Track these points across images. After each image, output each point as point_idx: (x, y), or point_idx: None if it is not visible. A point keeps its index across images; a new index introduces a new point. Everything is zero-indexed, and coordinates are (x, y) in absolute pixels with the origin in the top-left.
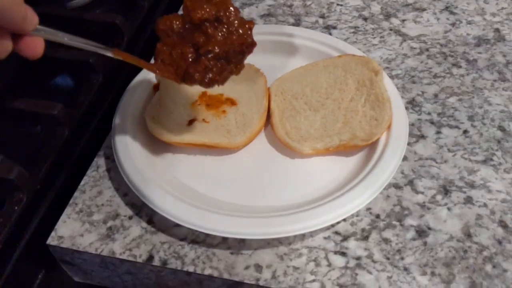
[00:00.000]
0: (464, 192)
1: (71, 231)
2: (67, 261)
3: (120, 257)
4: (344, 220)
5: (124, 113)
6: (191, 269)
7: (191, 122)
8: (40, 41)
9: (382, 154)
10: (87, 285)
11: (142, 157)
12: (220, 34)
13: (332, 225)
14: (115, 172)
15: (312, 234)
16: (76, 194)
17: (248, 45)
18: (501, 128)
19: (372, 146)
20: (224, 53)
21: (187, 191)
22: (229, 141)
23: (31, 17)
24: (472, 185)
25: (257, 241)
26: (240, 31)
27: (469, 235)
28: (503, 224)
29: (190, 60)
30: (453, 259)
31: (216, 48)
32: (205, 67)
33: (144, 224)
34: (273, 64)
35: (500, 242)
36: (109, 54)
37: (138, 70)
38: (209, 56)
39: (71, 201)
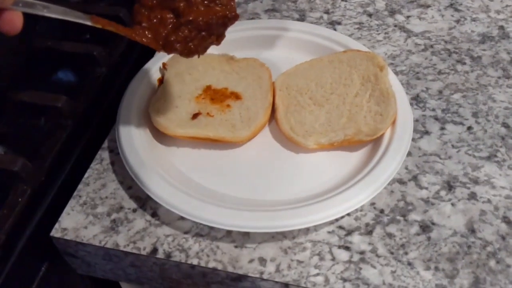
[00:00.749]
0: (468, 188)
1: (75, 223)
2: (70, 253)
3: (124, 249)
4: (348, 214)
5: (129, 106)
6: (195, 262)
7: (195, 116)
8: (18, 15)
9: (386, 149)
10: (90, 278)
11: (147, 150)
12: (202, 2)
13: (336, 220)
14: (119, 165)
15: (316, 228)
16: (80, 186)
17: (231, 18)
18: (505, 125)
19: (377, 141)
20: (206, 24)
21: (191, 185)
22: (234, 135)
23: None
24: (476, 181)
25: (261, 234)
26: (224, 1)
27: (473, 231)
28: (506, 220)
29: (170, 26)
30: (457, 254)
31: (199, 18)
32: (186, 37)
33: (148, 217)
34: (277, 59)
35: (503, 238)
36: (88, 22)
37: (142, 63)
38: (190, 26)
39: (75, 194)
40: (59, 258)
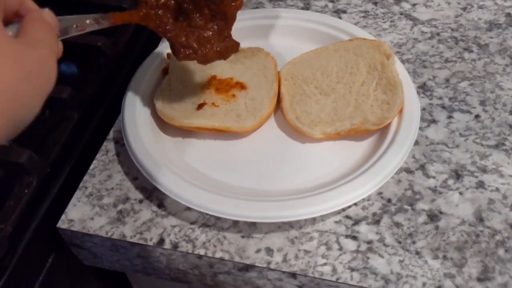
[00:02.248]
0: (476, 177)
1: (81, 214)
2: (77, 245)
3: (131, 240)
4: (355, 204)
5: (134, 97)
6: (202, 252)
7: (200, 106)
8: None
9: (393, 138)
10: (96, 269)
11: (152, 141)
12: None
13: (343, 209)
14: (124, 156)
15: (323, 218)
16: (85, 178)
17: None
18: None
19: (384, 130)
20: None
21: (197, 175)
22: (239, 125)
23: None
24: (484, 170)
25: (268, 224)
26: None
27: (481, 220)
28: None
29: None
30: (465, 243)
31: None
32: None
33: (155, 208)
34: (282, 48)
35: None
36: (107, 24)
37: (147, 53)
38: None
39: (81, 185)
40: (65, 250)
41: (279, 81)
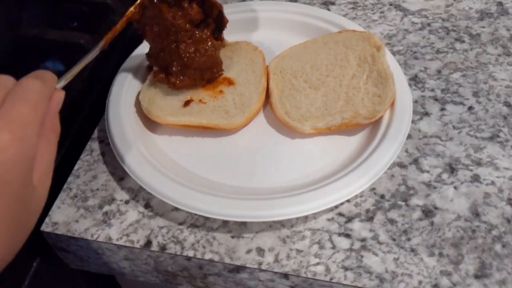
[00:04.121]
0: (471, 170)
1: (65, 216)
2: (62, 248)
3: (117, 242)
4: (348, 201)
5: (118, 95)
6: (191, 253)
7: (187, 103)
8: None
9: (385, 132)
10: (84, 273)
11: (138, 140)
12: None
13: (336, 207)
14: (109, 156)
15: (315, 216)
16: (70, 179)
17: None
18: (507, 104)
19: (375, 124)
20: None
21: (185, 174)
22: (228, 122)
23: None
24: (479, 163)
25: (259, 224)
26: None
27: (477, 214)
28: (511, 202)
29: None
30: (461, 239)
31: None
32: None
33: (141, 209)
34: (270, 42)
35: (509, 221)
36: (101, 46)
37: (131, 50)
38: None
39: (65, 186)
40: (51, 254)
41: (268, 75)
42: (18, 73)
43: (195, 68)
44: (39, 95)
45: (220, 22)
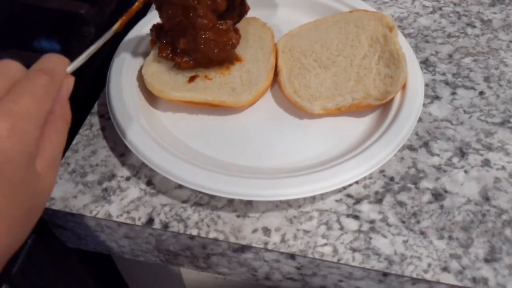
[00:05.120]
0: (481, 155)
1: (63, 192)
2: (59, 225)
3: (117, 220)
4: (357, 182)
5: (119, 68)
6: (194, 232)
7: (192, 78)
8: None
9: (397, 114)
10: (81, 251)
11: (140, 115)
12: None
13: (344, 188)
14: (110, 131)
15: (323, 196)
16: (68, 153)
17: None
18: None
19: (386, 106)
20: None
21: (189, 152)
22: (234, 99)
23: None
24: (489, 148)
25: (265, 203)
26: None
27: (487, 199)
28: None
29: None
30: (471, 223)
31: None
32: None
33: (143, 186)
34: (279, 20)
35: None
36: (115, 29)
37: (134, 22)
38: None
39: (62, 161)
40: (46, 231)
41: (276, 53)
42: (15, 44)
43: (206, 56)
44: (46, 90)
45: (242, 9)
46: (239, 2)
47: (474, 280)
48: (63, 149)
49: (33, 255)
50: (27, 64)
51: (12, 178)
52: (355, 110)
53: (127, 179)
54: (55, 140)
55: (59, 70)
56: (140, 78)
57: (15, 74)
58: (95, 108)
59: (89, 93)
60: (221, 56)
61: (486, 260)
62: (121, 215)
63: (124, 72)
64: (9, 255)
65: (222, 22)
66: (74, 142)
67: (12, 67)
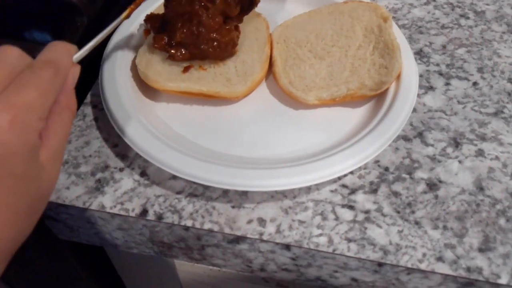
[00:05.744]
0: (475, 145)
1: (55, 183)
2: (51, 217)
3: (111, 211)
4: (352, 173)
5: (113, 58)
6: (189, 223)
7: (187, 68)
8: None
9: (391, 104)
10: (73, 244)
11: (134, 106)
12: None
13: (339, 178)
14: (103, 122)
15: (318, 187)
16: None
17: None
18: (511, 81)
19: (381, 96)
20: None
21: (183, 142)
22: (229, 90)
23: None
24: (483, 138)
25: (260, 194)
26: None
27: (481, 189)
28: None
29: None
30: (465, 212)
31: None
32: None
33: (137, 177)
34: (273, 11)
35: None
36: (122, 18)
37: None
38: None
39: None
40: (38, 223)
41: (271, 44)
42: (7, 34)
43: (204, 53)
44: (51, 83)
45: (250, 4)
46: (248, 5)
47: (468, 269)
48: (67, 140)
49: (23, 249)
50: None
51: (14, 170)
52: (350, 101)
53: (121, 170)
54: (59, 131)
55: (65, 61)
56: (134, 68)
57: (15, 62)
58: (88, 99)
59: (82, 84)
60: (221, 55)
61: (480, 250)
62: (115, 207)
63: (118, 62)
64: (15, 247)
65: (227, 21)
66: None
67: (12, 54)
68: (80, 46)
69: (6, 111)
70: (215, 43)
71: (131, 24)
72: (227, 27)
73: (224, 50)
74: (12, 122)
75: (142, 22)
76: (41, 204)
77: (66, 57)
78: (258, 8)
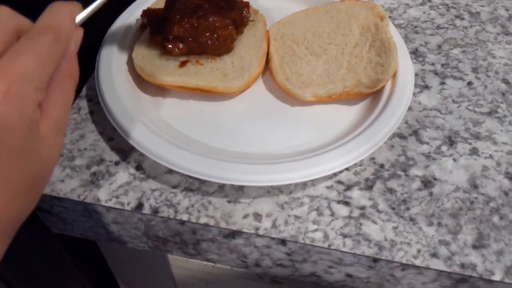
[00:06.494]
0: (470, 144)
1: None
2: (44, 210)
3: (106, 204)
4: (347, 169)
5: (110, 52)
6: (184, 217)
7: (183, 63)
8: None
9: (387, 102)
10: (66, 237)
11: (130, 100)
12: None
13: (335, 174)
14: (99, 115)
15: (314, 183)
16: None
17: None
18: (505, 81)
19: (377, 94)
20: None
21: (180, 137)
22: (226, 85)
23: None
24: (477, 137)
25: (256, 189)
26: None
27: (475, 186)
28: (509, 176)
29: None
30: (459, 210)
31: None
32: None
33: (133, 170)
34: (271, 8)
35: (506, 194)
36: None
37: (125, 5)
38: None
39: None
40: (31, 215)
41: (268, 40)
42: None
43: (203, 47)
44: (51, 50)
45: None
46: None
47: (462, 266)
48: (70, 109)
49: (15, 242)
50: None
51: (12, 144)
52: (346, 98)
53: (116, 163)
54: (61, 101)
55: (67, 25)
56: (130, 63)
57: (7, 21)
58: (84, 92)
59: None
60: (219, 48)
61: (474, 247)
62: (110, 200)
63: (114, 56)
64: (18, 224)
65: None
66: None
67: (1, 12)
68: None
69: (0, 82)
70: (214, 35)
71: (128, 18)
72: (227, 22)
73: (222, 44)
74: (7, 93)
75: (139, 17)
76: (43, 179)
77: (68, 20)
78: (256, 5)
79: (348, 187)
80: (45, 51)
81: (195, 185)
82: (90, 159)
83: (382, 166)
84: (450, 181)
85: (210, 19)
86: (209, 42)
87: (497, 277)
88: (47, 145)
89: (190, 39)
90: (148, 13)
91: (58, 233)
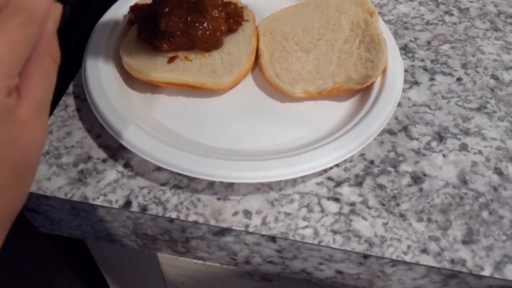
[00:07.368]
0: (459, 139)
1: (36, 174)
2: (31, 208)
3: (94, 202)
4: (337, 165)
5: (97, 48)
6: (173, 215)
7: (172, 59)
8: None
9: (377, 98)
10: (54, 237)
11: (118, 97)
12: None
13: (325, 171)
14: (86, 112)
15: (303, 179)
16: None
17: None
18: (494, 77)
19: (367, 90)
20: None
21: (168, 134)
22: (215, 81)
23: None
24: (467, 132)
25: (246, 186)
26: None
27: (465, 182)
28: (498, 171)
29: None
30: (449, 205)
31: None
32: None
33: (120, 168)
34: (259, 3)
35: (495, 189)
36: None
37: (112, 0)
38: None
39: None
40: (18, 216)
41: (257, 36)
42: None
43: (192, 40)
44: (22, 33)
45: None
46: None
47: (452, 261)
48: (52, 92)
49: (3, 241)
50: None
51: None
52: (336, 94)
53: (104, 161)
54: (40, 83)
55: (42, 2)
56: (118, 59)
57: None
58: (71, 89)
59: (64, 73)
60: (209, 41)
61: (464, 242)
62: (98, 198)
63: (102, 52)
64: (11, 217)
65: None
66: (49, 123)
67: None
68: (63, 38)
69: None
70: (204, 25)
71: (116, 13)
72: (216, 15)
73: (212, 36)
74: None
75: (127, 12)
76: (29, 167)
77: None
78: (245, 0)
79: (338, 184)
80: (16, 33)
81: (184, 183)
82: (77, 157)
83: (372, 162)
84: (439, 177)
85: (201, 6)
86: (199, 33)
87: (486, 272)
88: (27, 131)
89: (179, 33)
90: (135, 9)
91: (46, 233)
